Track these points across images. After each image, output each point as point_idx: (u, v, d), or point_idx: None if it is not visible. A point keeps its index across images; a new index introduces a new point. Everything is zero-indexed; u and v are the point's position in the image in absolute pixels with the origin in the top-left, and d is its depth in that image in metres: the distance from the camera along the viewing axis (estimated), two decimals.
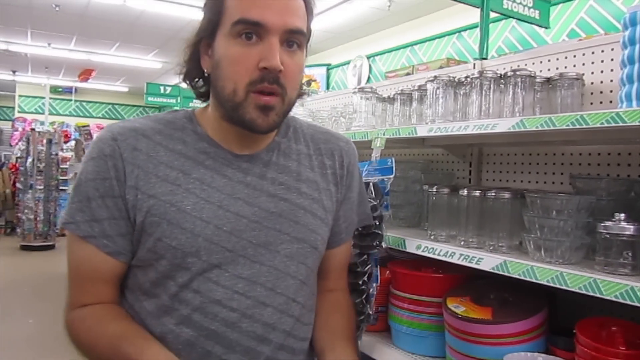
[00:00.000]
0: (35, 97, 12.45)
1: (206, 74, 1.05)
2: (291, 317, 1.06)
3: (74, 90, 12.37)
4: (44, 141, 8.31)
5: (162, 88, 7.41)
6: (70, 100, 12.63)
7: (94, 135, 1.20)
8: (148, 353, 0.94)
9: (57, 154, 8.56)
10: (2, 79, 11.74)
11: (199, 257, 0.98)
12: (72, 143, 9.58)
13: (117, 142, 0.99)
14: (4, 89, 12.80)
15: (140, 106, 13.22)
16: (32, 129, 8.55)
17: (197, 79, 1.09)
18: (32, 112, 12.44)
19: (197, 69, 1.06)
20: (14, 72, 11.27)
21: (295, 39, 0.99)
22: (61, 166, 8.87)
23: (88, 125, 9.25)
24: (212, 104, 1.07)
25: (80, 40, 8.24)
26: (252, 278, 1.01)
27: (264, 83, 0.96)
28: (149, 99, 7.25)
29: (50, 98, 12.00)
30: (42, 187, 8.28)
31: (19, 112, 12.48)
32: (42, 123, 10.39)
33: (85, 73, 10.19)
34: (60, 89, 12.47)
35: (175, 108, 1.11)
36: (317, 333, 1.17)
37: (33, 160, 8.22)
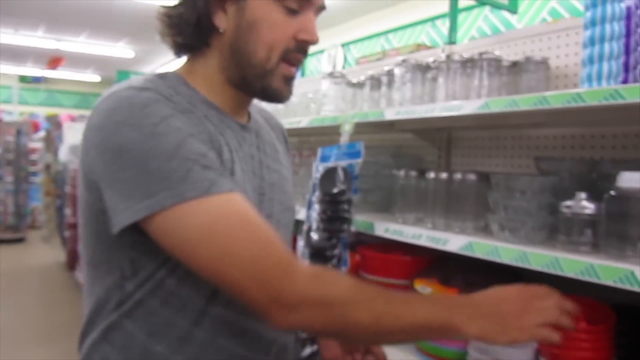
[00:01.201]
0: (3, 86, 12.13)
1: (221, 31, 0.94)
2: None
3: (43, 79, 12.08)
4: (13, 132, 8.12)
5: (132, 76, 7.27)
6: (39, 89, 12.35)
7: (95, 117, 0.88)
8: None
9: (26, 145, 8.37)
10: None
11: None
12: (42, 133, 9.38)
13: (172, 101, 0.87)
14: None
15: None
16: (0, 120, 8.35)
17: (194, 32, 0.96)
18: None
19: (203, 21, 0.94)
20: None
21: (319, 14, 0.99)
22: (30, 157, 8.69)
23: (57, 115, 9.06)
24: (217, 65, 0.97)
25: (49, 27, 8.04)
26: None
27: (299, 53, 0.95)
28: None
29: (20, 87, 11.71)
30: (11, 178, 8.10)
31: None
32: (10, 113, 10.14)
33: (55, 62, 9.96)
34: (29, 79, 12.17)
35: (162, 72, 0.97)
36: None
37: (1, 151, 8.03)
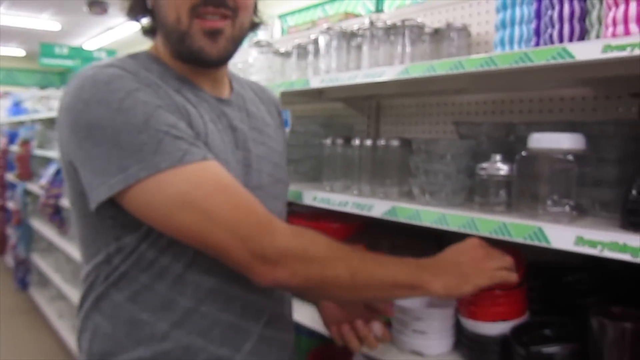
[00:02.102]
0: None
1: (149, 8, 0.97)
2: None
3: None
4: None
5: (57, 49, 6.90)
6: None
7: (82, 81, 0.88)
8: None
9: None
10: None
11: None
12: None
13: (138, 78, 0.87)
14: None
15: (40, 71, 12.32)
16: None
17: (141, 15, 1.01)
18: None
19: (140, 3, 0.98)
20: None
21: None
22: None
23: None
24: (160, 42, 0.99)
25: None
26: None
27: (207, 7, 0.90)
28: (44, 60, 6.73)
29: None
30: None
31: None
32: None
33: None
34: None
35: (133, 52, 0.98)
36: None
37: None
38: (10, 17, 8.47)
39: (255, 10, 1.07)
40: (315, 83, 1.58)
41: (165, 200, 0.81)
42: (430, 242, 1.48)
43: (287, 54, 1.96)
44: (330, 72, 1.64)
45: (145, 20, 1.03)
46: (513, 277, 1.00)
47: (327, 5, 6.29)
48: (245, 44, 2.50)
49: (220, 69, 1.03)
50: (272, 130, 1.14)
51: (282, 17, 6.92)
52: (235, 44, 0.97)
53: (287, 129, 1.62)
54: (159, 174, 0.80)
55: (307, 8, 6.53)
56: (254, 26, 1.10)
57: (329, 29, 1.65)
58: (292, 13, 6.76)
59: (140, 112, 0.82)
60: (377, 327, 1.12)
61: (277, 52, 1.97)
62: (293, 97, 1.81)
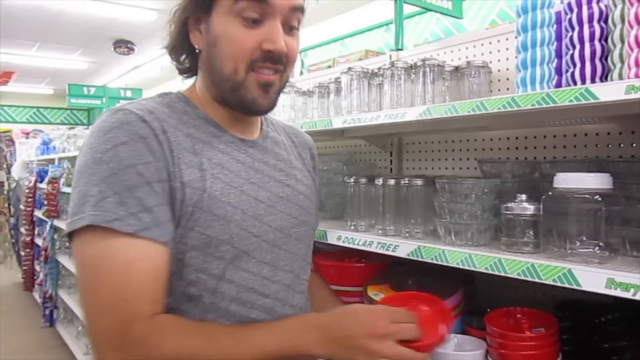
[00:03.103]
0: None
1: (197, 50, 1.01)
2: (305, 297, 1.11)
3: None
4: None
5: (85, 89, 7.11)
6: None
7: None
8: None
9: None
10: None
11: (232, 245, 0.94)
12: None
13: (147, 123, 0.90)
14: None
15: (67, 109, 12.68)
16: None
17: (184, 55, 1.05)
18: None
19: (185, 44, 1.01)
20: None
21: (297, 17, 0.98)
22: None
23: (9, 131, 8.79)
24: (203, 84, 1.03)
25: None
26: (274, 262, 1.02)
27: (266, 63, 0.95)
28: (72, 100, 6.93)
29: None
30: None
31: None
32: None
33: (5, 76, 9.66)
34: None
35: (164, 92, 1.04)
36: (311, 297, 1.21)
37: None
38: (42, 59, 8.79)
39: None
40: (338, 124, 1.59)
41: (79, 256, 0.87)
42: (458, 280, 1.46)
43: (308, 93, 1.99)
44: (352, 112, 1.65)
45: (186, 60, 1.05)
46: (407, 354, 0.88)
47: (346, 39, 6.39)
48: None
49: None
50: (299, 172, 1.14)
51: (302, 52, 7.05)
52: (279, 95, 1.03)
53: None
54: (87, 230, 0.84)
55: (327, 42, 6.64)
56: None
57: (350, 69, 1.67)
58: (312, 48, 6.88)
59: (110, 167, 0.86)
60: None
61: (299, 91, 2.01)
62: (315, 135, 1.83)
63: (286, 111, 1.97)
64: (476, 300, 1.61)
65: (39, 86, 11.47)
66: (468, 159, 1.81)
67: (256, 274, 0.98)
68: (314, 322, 0.93)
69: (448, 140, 1.86)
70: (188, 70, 1.07)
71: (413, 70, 1.57)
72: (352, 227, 1.61)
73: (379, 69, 1.64)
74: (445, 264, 1.26)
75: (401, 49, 2.01)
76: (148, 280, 0.86)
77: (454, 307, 1.38)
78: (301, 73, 6.96)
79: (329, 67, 2.64)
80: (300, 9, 0.98)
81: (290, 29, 0.98)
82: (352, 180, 1.62)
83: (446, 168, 1.87)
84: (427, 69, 1.53)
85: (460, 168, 1.82)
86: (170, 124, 0.94)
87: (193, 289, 0.93)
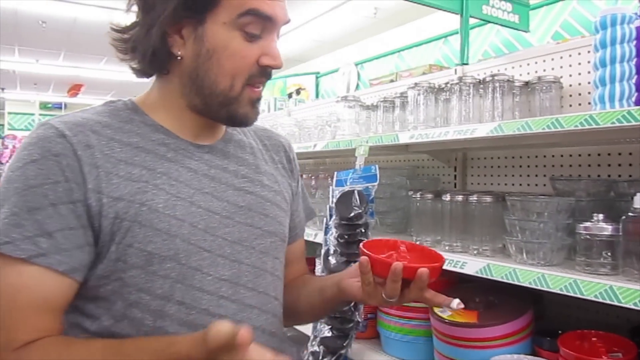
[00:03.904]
0: (25, 113, 12.42)
1: (178, 57, 0.91)
2: (274, 317, 1.01)
3: (63, 105, 12.34)
4: None
5: None
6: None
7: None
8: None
9: None
10: None
11: (177, 261, 0.87)
12: None
13: (66, 138, 0.84)
14: None
15: None
16: None
17: (151, 57, 0.92)
18: (22, 129, 12.39)
19: (160, 47, 0.90)
20: (2, 89, 11.25)
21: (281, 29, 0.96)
22: None
23: None
24: (175, 91, 0.95)
25: (68, 55, 8.23)
26: (234, 279, 0.93)
27: (262, 77, 0.94)
28: None
29: (40, 114, 11.98)
30: None
31: (8, 129, 12.43)
32: None
33: (75, 88, 10.18)
34: (49, 105, 12.44)
35: (111, 100, 0.99)
36: (302, 298, 1.13)
37: None
38: (109, 72, 9.20)
39: None
40: (405, 139, 1.60)
41: None
42: (527, 301, 1.43)
43: (372, 107, 2.00)
44: (418, 128, 1.65)
45: (147, 60, 0.94)
46: None
47: (403, 51, 6.37)
48: (334, 98, 2.58)
49: None
50: (268, 178, 1.06)
51: (358, 64, 7.08)
52: None
53: (375, 183, 1.64)
54: None
55: (384, 55, 6.65)
56: None
57: (417, 84, 1.68)
58: (369, 60, 6.90)
59: (14, 187, 0.82)
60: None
61: (363, 106, 2.02)
62: (378, 149, 1.84)
63: (351, 125, 1.99)
64: (544, 320, 1.57)
65: (105, 98, 11.96)
66: (537, 175, 1.77)
67: (212, 293, 0.90)
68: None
69: (516, 155, 1.82)
70: (147, 73, 0.97)
71: (481, 86, 1.55)
72: (418, 242, 1.61)
73: (446, 84, 1.64)
74: (516, 283, 1.23)
75: (466, 64, 2.00)
76: (30, 311, 0.80)
77: (525, 327, 1.35)
78: (357, 86, 7.00)
79: (392, 81, 2.65)
80: (287, 23, 0.96)
81: (277, 39, 0.96)
82: (418, 195, 1.62)
83: (513, 184, 1.84)
84: (497, 84, 1.52)
85: (528, 184, 1.79)
86: (105, 135, 0.88)
87: (135, 310, 0.86)
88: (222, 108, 0.93)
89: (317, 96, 7.78)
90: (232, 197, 0.97)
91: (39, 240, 0.80)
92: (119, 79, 9.65)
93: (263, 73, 0.93)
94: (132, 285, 0.85)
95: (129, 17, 0.95)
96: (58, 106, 12.36)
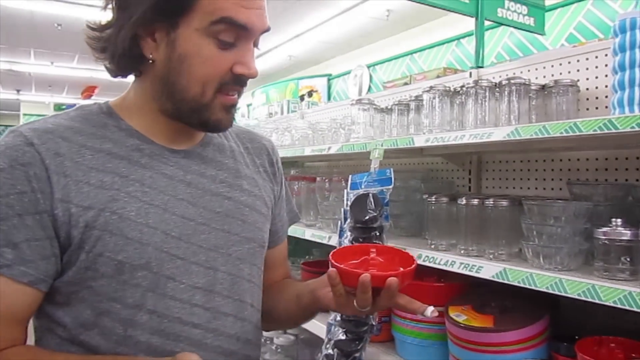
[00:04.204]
0: (40, 115, 12.54)
1: (150, 60, 0.90)
2: (250, 324, 1.00)
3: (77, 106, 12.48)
4: None
5: None
6: None
7: None
8: None
9: None
10: (7, 98, 11.88)
11: (149, 270, 0.86)
12: None
13: (34, 147, 0.83)
14: (8, 108, 12.93)
15: None
16: None
17: (123, 59, 0.91)
18: None
19: (133, 50, 0.89)
20: (18, 91, 11.41)
21: (260, 38, 0.93)
22: None
23: None
24: (146, 94, 0.94)
25: (83, 58, 8.32)
26: (208, 287, 0.92)
27: (235, 86, 0.91)
28: None
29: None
30: None
31: None
32: None
33: (89, 90, 10.28)
34: (64, 107, 12.57)
35: (82, 103, 0.98)
36: (280, 304, 1.11)
37: None
38: None
39: None
40: (420, 142, 1.60)
41: None
42: (543, 305, 1.42)
43: (387, 110, 2.00)
44: (433, 130, 1.65)
45: (118, 61, 0.92)
46: None
47: (415, 54, 6.36)
48: (348, 100, 2.58)
49: None
50: (248, 182, 1.04)
51: (370, 66, 7.08)
52: None
53: (390, 187, 1.64)
54: None
55: (396, 57, 6.64)
56: None
57: (432, 87, 1.67)
58: (381, 62, 6.90)
59: None
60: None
61: (377, 109, 2.02)
62: (393, 152, 1.83)
63: (365, 128, 1.99)
64: (559, 325, 1.56)
65: None
66: (552, 179, 1.75)
67: (185, 302, 0.89)
68: None
69: (531, 159, 1.81)
70: (123, 74, 0.96)
71: (497, 89, 1.55)
72: (432, 246, 1.60)
73: (462, 87, 1.64)
74: (533, 287, 1.23)
75: (481, 67, 1.99)
76: None
77: (541, 332, 1.34)
78: (369, 88, 7.00)
79: (406, 83, 2.65)
80: (267, 31, 0.92)
81: (256, 47, 0.93)
82: (433, 199, 1.61)
83: (528, 188, 1.83)
84: (513, 88, 1.51)
85: (544, 188, 1.78)
86: (75, 142, 0.87)
87: (105, 319, 0.85)
88: (193, 114, 0.91)
89: (329, 98, 7.79)
90: (209, 202, 0.95)
91: (4, 251, 0.79)
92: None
93: (237, 81, 0.90)
94: (102, 294, 0.84)
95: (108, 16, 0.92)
96: (72, 107, 12.48)
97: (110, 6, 0.90)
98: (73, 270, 0.84)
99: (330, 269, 0.89)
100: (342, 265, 0.89)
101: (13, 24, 6.61)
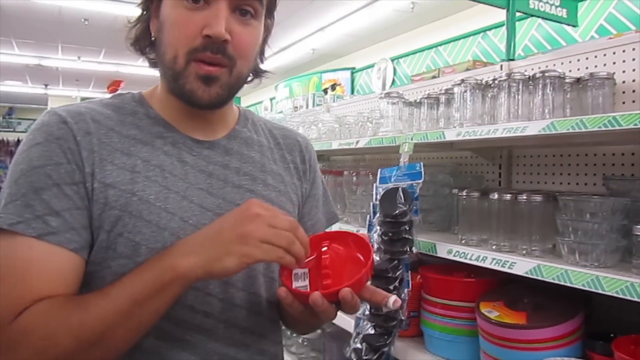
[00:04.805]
0: None
1: (153, 39, 0.93)
2: (266, 319, 0.98)
3: None
4: None
5: None
6: None
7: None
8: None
9: None
10: (35, 92, 12.10)
11: None
12: None
13: (67, 124, 0.85)
14: (36, 103, 13.18)
15: None
16: None
17: (146, 46, 0.95)
18: None
19: (145, 32, 0.93)
20: (45, 85, 11.61)
21: (249, 5, 0.88)
22: None
23: None
24: (160, 77, 0.96)
25: (109, 52, 8.42)
26: (225, 279, 0.90)
27: (206, 52, 0.86)
28: None
29: None
30: None
31: None
32: None
33: (114, 84, 10.41)
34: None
35: (120, 92, 0.99)
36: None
37: None
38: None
39: (259, 57, 1.01)
40: (451, 136, 1.58)
41: None
42: (577, 302, 1.40)
43: (416, 104, 1.98)
44: (464, 124, 1.63)
45: (150, 51, 0.97)
46: (288, 260, 0.79)
47: (440, 46, 6.29)
48: (375, 94, 2.56)
49: (214, 111, 0.97)
50: (273, 177, 1.03)
51: (394, 59, 7.03)
52: (230, 91, 0.92)
53: (420, 181, 1.63)
54: None
55: (421, 50, 6.58)
56: (257, 74, 1.04)
57: (463, 80, 1.65)
58: (405, 55, 6.85)
59: (20, 168, 0.83)
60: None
61: (406, 102, 2.01)
62: (421, 146, 1.82)
63: (394, 122, 1.98)
64: (593, 323, 1.53)
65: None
66: (586, 174, 1.72)
67: (199, 290, 0.88)
68: (170, 249, 0.81)
69: (564, 154, 1.78)
70: (153, 63, 0.98)
71: (531, 82, 1.52)
72: (463, 241, 1.59)
73: (494, 80, 1.61)
74: (568, 284, 1.21)
75: (512, 59, 1.96)
76: (44, 280, 0.79)
77: (575, 330, 1.32)
78: (393, 81, 6.95)
79: (434, 77, 2.62)
80: None
81: (244, 14, 0.88)
82: (464, 193, 1.60)
83: (561, 183, 1.80)
84: (547, 81, 1.48)
85: (577, 183, 1.74)
86: (105, 125, 0.89)
87: None
88: (174, 83, 0.90)
89: (352, 91, 7.75)
90: (229, 194, 0.95)
91: (48, 219, 0.80)
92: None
93: (207, 46, 0.86)
94: (119, 274, 0.82)
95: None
96: None
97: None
98: (95, 248, 0.85)
99: (280, 287, 0.85)
100: (290, 287, 0.83)
101: (42, 20, 6.72)
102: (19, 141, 13.65)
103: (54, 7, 6.24)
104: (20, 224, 0.79)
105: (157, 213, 0.86)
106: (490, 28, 5.46)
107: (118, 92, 1.00)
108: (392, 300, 0.85)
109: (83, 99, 12.35)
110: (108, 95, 0.99)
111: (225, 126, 1.02)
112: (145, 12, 0.94)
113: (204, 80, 0.88)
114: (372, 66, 7.38)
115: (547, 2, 2.11)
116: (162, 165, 0.90)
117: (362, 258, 0.88)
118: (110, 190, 0.84)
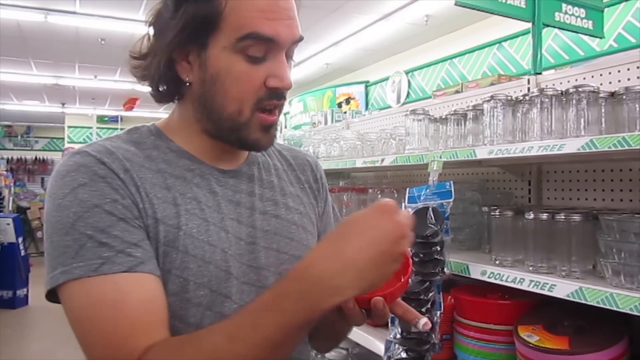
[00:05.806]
0: (83, 127, 12.92)
1: (187, 83, 0.91)
2: (301, 342, 0.95)
3: (119, 119, 12.78)
4: None
5: None
6: (116, 128, 13.05)
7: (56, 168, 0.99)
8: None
9: None
10: (52, 111, 12.26)
11: (210, 288, 0.85)
12: None
13: (105, 164, 0.83)
14: (54, 121, 13.35)
15: None
16: None
17: (165, 85, 0.94)
18: (80, 142, 12.90)
19: (169, 74, 0.91)
20: (63, 104, 11.76)
21: (294, 48, 0.92)
22: None
23: None
24: (190, 116, 0.95)
25: (125, 71, 8.44)
26: None
27: (272, 100, 0.89)
28: None
29: (97, 127, 12.46)
30: None
31: (68, 142, 12.97)
32: None
33: (130, 102, 10.51)
34: (106, 118, 12.91)
35: (133, 126, 0.98)
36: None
37: None
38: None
39: None
40: (483, 154, 1.54)
41: (69, 310, 0.78)
42: (621, 326, 1.34)
43: (442, 121, 1.95)
44: (495, 142, 1.59)
45: (163, 88, 0.94)
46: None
47: (455, 58, 6.27)
48: (394, 108, 2.52)
49: None
50: (293, 200, 1.04)
51: (408, 72, 7.01)
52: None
53: (450, 200, 1.59)
54: (72, 282, 0.76)
55: (435, 62, 6.56)
56: None
57: (492, 97, 1.62)
58: (419, 68, 6.83)
59: (73, 212, 0.79)
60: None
61: (432, 119, 1.97)
62: (449, 164, 1.78)
63: (420, 139, 1.94)
64: (634, 346, 1.48)
65: (159, 111, 12.34)
66: (621, 190, 1.67)
67: (234, 302, 0.88)
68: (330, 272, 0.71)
69: (597, 169, 1.74)
70: (167, 99, 0.97)
71: (564, 98, 1.48)
72: (497, 262, 1.54)
73: (524, 95, 1.58)
74: (614, 308, 1.16)
75: (539, 73, 1.92)
76: (142, 311, 0.77)
77: (621, 355, 1.27)
78: (408, 94, 6.93)
79: (457, 92, 2.59)
80: (299, 41, 0.90)
81: (288, 59, 0.91)
82: (497, 212, 1.56)
83: (594, 199, 1.75)
84: (582, 96, 1.44)
85: (612, 200, 1.69)
86: (136, 162, 0.87)
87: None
88: (232, 133, 0.90)
89: (366, 105, 7.74)
90: (257, 221, 0.95)
91: (131, 251, 0.78)
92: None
93: (272, 95, 0.88)
94: (169, 311, 0.81)
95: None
96: (114, 119, 12.80)
97: (148, 36, 0.92)
98: None
99: None
100: None
101: (59, 41, 6.82)
102: (36, 159, 13.83)
103: (71, 27, 6.33)
104: (104, 265, 0.76)
105: (201, 247, 0.85)
106: (505, 39, 5.42)
107: (133, 126, 0.98)
108: (423, 322, 0.84)
109: (99, 116, 12.49)
110: (153, 116, 0.97)
111: (242, 153, 1.02)
112: (159, 52, 0.89)
113: (266, 129, 0.90)
114: (386, 79, 7.37)
115: (572, 14, 2.08)
116: (197, 198, 0.89)
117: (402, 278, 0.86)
118: (160, 226, 0.83)
